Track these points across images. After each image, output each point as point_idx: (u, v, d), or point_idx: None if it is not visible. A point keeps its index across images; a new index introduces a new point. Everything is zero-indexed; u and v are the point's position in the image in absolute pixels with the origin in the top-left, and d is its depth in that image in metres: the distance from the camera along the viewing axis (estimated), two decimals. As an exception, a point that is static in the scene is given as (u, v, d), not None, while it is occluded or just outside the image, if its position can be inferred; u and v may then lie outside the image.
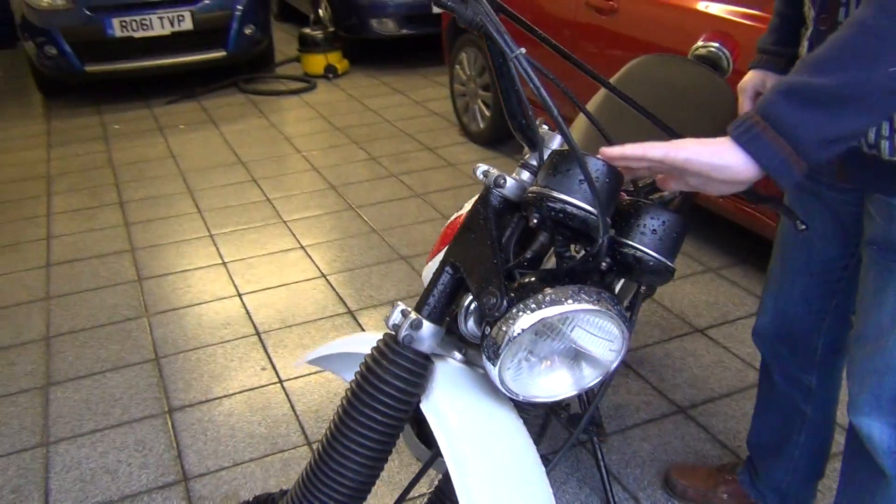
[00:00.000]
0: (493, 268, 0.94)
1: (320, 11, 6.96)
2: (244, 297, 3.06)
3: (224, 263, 3.35)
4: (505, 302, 0.92)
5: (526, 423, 1.10)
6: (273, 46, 6.73)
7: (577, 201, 0.91)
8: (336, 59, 6.42)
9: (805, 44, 1.27)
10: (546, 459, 1.77)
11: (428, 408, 1.00)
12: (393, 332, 1.01)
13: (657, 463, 2.12)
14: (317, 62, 6.37)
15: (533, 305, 0.90)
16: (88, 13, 5.59)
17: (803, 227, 1.25)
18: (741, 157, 0.95)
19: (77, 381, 2.60)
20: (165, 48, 5.87)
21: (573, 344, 0.95)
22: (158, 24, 5.74)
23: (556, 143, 1.02)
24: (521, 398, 0.96)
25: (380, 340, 1.03)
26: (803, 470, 1.76)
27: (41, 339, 2.85)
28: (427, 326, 1.00)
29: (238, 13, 5.95)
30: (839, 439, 1.85)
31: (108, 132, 5.33)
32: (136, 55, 5.82)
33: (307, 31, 6.40)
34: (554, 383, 0.97)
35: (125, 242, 3.61)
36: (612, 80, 2.00)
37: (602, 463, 1.97)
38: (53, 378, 2.62)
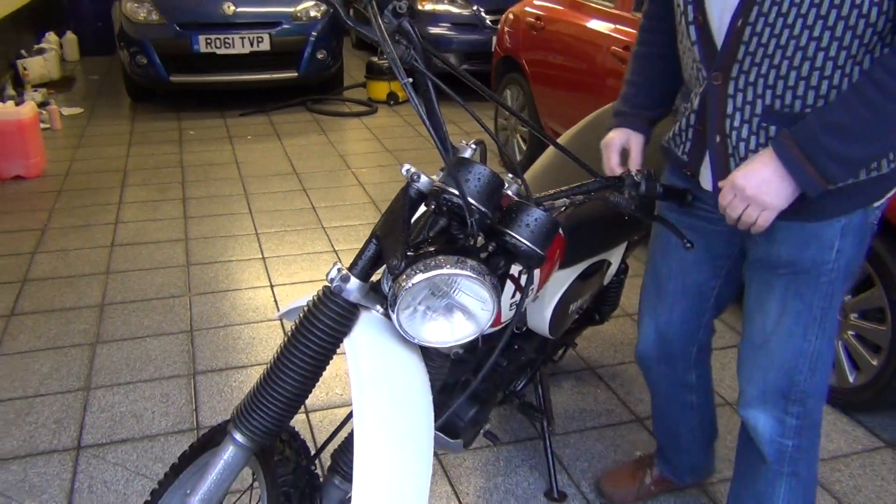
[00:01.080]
0: (400, 239, 1.26)
1: (390, 42, 7.42)
2: (275, 288, 3.44)
3: (263, 258, 3.74)
4: (403, 264, 1.23)
5: (431, 370, 1.41)
6: (343, 71, 7.23)
7: (459, 194, 1.23)
8: (398, 87, 6.85)
9: (696, 100, 1.51)
10: (495, 437, 2.07)
11: (349, 343, 1.32)
12: (329, 284, 1.34)
13: (605, 460, 2.38)
14: (380, 89, 6.83)
15: (422, 267, 1.22)
16: (178, 29, 6.17)
17: (689, 245, 1.54)
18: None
19: (121, 342, 3.00)
20: (244, 66, 6.40)
21: (455, 302, 1.26)
22: (239, 44, 6.29)
23: (467, 153, 1.34)
24: (415, 340, 1.27)
25: (319, 290, 1.35)
26: (700, 441, 2.05)
27: (96, 306, 3.28)
28: (354, 281, 1.32)
29: (312, 38, 6.46)
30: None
31: (183, 137, 5.86)
32: (216, 70, 6.37)
33: (374, 59, 6.87)
34: (441, 331, 1.28)
35: (181, 233, 4.05)
36: (585, 120, 2.31)
37: (549, 449, 2.24)
38: (101, 338, 3.03)
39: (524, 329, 2.05)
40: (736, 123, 1.44)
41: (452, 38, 6.68)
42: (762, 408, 1.64)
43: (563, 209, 1.48)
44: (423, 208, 1.35)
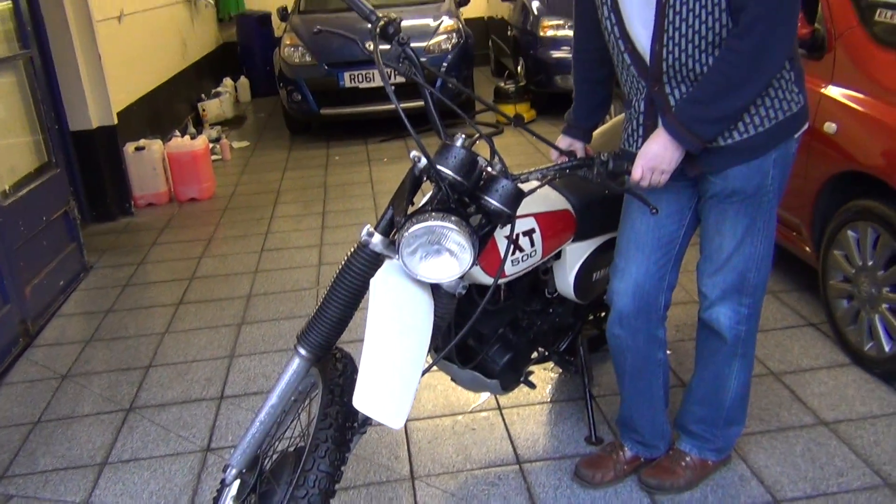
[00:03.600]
0: (404, 203, 1.75)
1: (518, 69, 7.96)
2: (388, 282, 4.02)
3: (382, 258, 4.34)
4: (403, 219, 1.72)
5: (440, 308, 1.87)
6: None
7: (441, 167, 1.70)
8: (524, 108, 7.36)
9: (641, 104, 1.99)
10: (531, 384, 2.50)
11: (372, 282, 1.81)
12: (360, 240, 1.85)
13: (645, 416, 2.72)
14: (507, 111, 7.33)
15: (415, 221, 1.70)
16: (327, 68, 7.01)
17: (654, 210, 1.94)
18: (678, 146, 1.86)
19: (260, 323, 3.68)
20: (383, 97, 7.14)
21: (443, 248, 1.73)
22: (378, 78, 7.04)
23: (458, 141, 1.81)
24: (416, 276, 1.75)
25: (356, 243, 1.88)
26: (664, 402, 2.36)
27: (244, 297, 4.00)
28: (377, 236, 1.81)
29: (443, 68, 7.11)
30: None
31: (329, 161, 6.66)
32: (360, 102, 7.15)
33: (501, 84, 7.42)
34: (436, 269, 1.74)
35: (317, 239, 4.74)
36: (612, 121, 2.72)
37: (589, 401, 2.62)
38: (246, 320, 3.73)
39: (556, 294, 2.47)
40: None
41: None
42: (722, 304, 2.13)
43: (542, 181, 1.92)
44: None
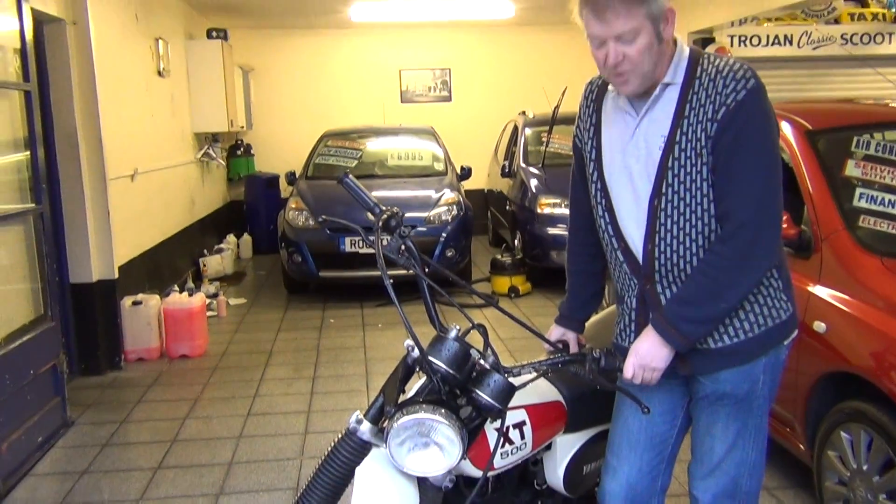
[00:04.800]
0: (395, 394, 1.75)
1: (516, 241, 8.17)
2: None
3: (370, 430, 4.26)
4: (394, 410, 1.71)
5: (425, 500, 1.82)
6: (471, 266, 7.97)
7: (433, 360, 1.71)
8: (520, 281, 7.47)
9: (634, 300, 2.03)
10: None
11: (358, 471, 1.77)
12: (349, 426, 1.83)
13: None
14: (503, 283, 7.47)
15: (405, 412, 1.69)
16: (329, 232, 7.19)
17: (646, 410, 1.93)
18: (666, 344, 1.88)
19: (239, 494, 3.56)
20: (382, 262, 7.27)
21: (432, 441, 1.71)
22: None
23: (452, 334, 1.83)
24: (403, 469, 1.71)
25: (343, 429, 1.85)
26: None
27: (226, 464, 3.89)
28: (366, 424, 1.79)
29: (442, 239, 7.29)
30: None
31: (325, 323, 6.68)
32: (359, 266, 7.26)
33: (498, 256, 7.59)
34: (423, 462, 1.71)
35: (306, 405, 4.68)
36: (605, 311, 2.75)
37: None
38: (224, 490, 3.60)
39: (545, 487, 2.41)
40: None
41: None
42: None
43: (532, 377, 1.93)
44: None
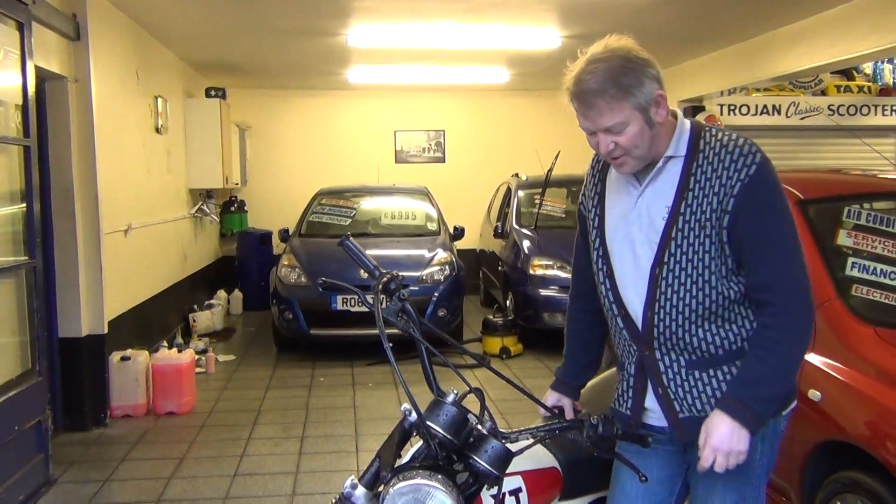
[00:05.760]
0: (391, 458, 1.73)
1: (508, 302, 8.18)
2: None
3: (359, 492, 4.19)
4: (390, 475, 1.69)
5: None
6: (462, 326, 7.95)
7: (430, 424, 1.70)
8: (511, 342, 7.45)
9: (633, 367, 2.03)
10: None
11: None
12: (343, 492, 1.80)
13: None
14: (494, 343, 7.44)
15: (402, 478, 1.67)
16: (320, 290, 7.17)
17: (644, 479, 1.91)
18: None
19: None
20: (374, 321, 7.23)
21: (427, 507, 1.68)
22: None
23: (449, 397, 1.82)
24: (401, 537, 1.68)
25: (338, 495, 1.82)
26: None
27: (211, 526, 3.80)
28: (360, 489, 1.77)
29: (434, 299, 7.28)
30: None
31: (314, 382, 6.62)
32: (350, 325, 7.23)
33: (490, 317, 7.58)
34: (418, 531, 1.69)
35: (294, 466, 4.60)
36: (603, 375, 2.75)
37: None
38: (209, 553, 3.51)
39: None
40: (670, 376, 1.99)
41: (561, 300, 7.30)
42: None
43: (530, 443, 1.91)
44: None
